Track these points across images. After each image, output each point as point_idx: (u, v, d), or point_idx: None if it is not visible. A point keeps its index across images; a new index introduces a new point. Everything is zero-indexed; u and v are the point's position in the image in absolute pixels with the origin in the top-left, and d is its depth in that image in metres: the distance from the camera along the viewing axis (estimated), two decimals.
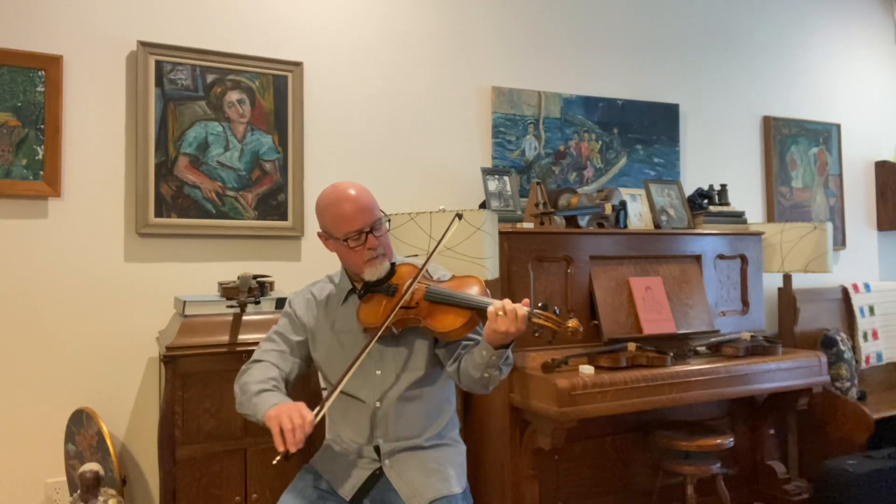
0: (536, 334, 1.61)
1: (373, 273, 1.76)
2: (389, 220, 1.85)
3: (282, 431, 1.48)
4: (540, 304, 1.62)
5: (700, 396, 2.59)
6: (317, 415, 1.56)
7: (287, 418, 1.49)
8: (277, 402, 1.59)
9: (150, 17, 2.57)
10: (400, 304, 1.68)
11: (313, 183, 2.77)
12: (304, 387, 2.15)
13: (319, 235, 1.83)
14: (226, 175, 2.64)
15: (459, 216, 1.85)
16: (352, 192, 1.74)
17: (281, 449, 1.48)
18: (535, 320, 1.59)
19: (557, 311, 1.62)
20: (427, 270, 1.81)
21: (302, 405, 1.55)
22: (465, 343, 1.77)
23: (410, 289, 1.70)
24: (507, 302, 1.60)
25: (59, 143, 2.40)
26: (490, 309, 1.60)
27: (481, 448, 2.68)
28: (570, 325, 1.58)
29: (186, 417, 2.15)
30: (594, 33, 3.47)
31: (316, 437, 2.28)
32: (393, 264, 1.81)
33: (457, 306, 1.69)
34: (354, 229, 1.72)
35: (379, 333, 1.67)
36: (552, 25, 3.36)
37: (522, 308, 1.59)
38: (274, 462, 1.49)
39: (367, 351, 1.66)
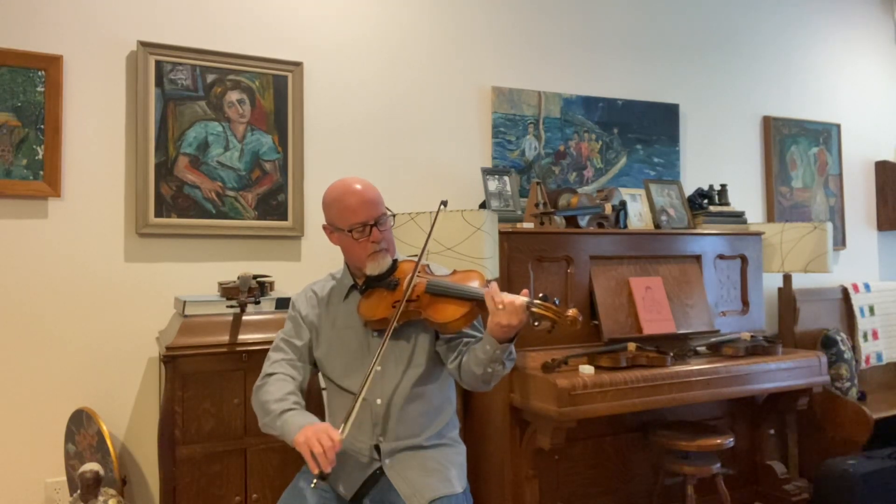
0: (536, 324, 1.60)
1: (375, 267, 1.78)
2: (394, 216, 1.87)
3: (314, 457, 1.53)
4: (540, 296, 1.62)
5: (700, 396, 2.59)
6: (342, 432, 1.59)
7: (316, 442, 1.54)
8: (303, 424, 1.62)
9: (150, 17, 2.57)
10: (405, 299, 1.70)
11: (313, 183, 2.77)
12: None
13: (325, 228, 1.85)
14: (226, 175, 2.64)
15: (444, 203, 1.84)
16: (358, 186, 1.78)
17: (316, 472, 1.53)
18: (535, 310, 1.59)
19: (557, 302, 1.62)
20: (429, 267, 1.83)
21: (328, 426, 1.59)
22: (465, 340, 1.78)
23: (412, 282, 1.71)
24: (502, 293, 1.61)
25: (59, 143, 2.40)
26: (487, 299, 1.61)
27: (481, 448, 2.68)
28: (569, 314, 1.58)
29: (186, 417, 2.15)
30: (594, 33, 3.47)
31: None
32: (395, 260, 1.82)
33: (457, 298, 1.70)
34: (359, 221, 1.74)
35: (389, 332, 1.68)
36: (552, 25, 3.36)
37: (520, 298, 1.60)
38: (312, 486, 1.62)
39: (380, 353, 1.67)
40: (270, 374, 1.79)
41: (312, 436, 1.55)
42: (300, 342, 1.84)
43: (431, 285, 1.73)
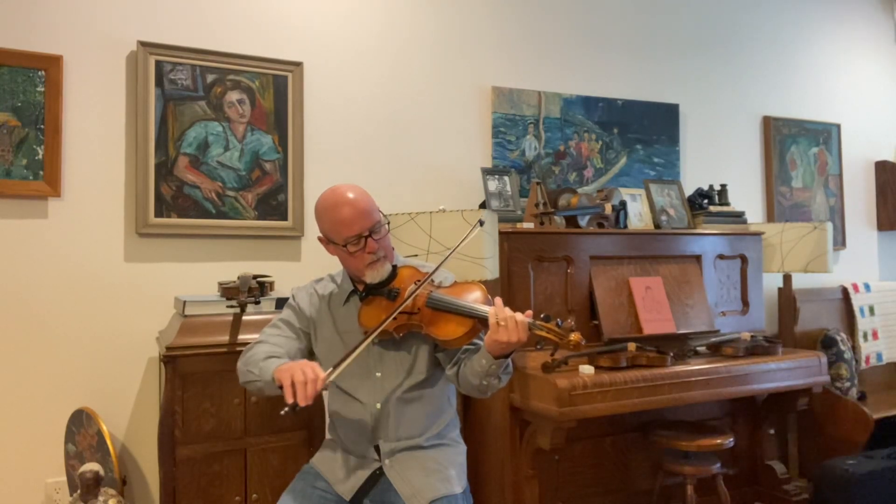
0: (539, 346, 1.60)
1: (374, 276, 1.76)
2: (388, 222, 1.84)
3: (293, 385, 1.49)
4: (542, 316, 1.60)
5: (700, 396, 2.59)
6: (328, 375, 1.55)
7: (300, 372, 1.51)
8: (288, 362, 1.61)
9: (150, 17, 2.57)
10: (401, 310, 1.67)
11: (313, 183, 2.77)
12: None
13: (320, 240, 1.83)
14: (226, 175, 2.64)
15: (482, 223, 1.85)
16: (349, 195, 1.74)
17: (290, 401, 1.48)
18: (537, 332, 1.58)
19: (560, 323, 1.60)
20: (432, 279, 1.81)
21: (315, 364, 1.56)
22: (465, 347, 1.76)
23: (412, 296, 1.68)
24: (507, 311, 1.58)
25: (59, 143, 2.40)
26: (492, 320, 1.58)
27: (481, 448, 2.68)
28: (572, 338, 1.56)
29: (186, 417, 2.15)
30: (594, 33, 3.47)
31: (316, 437, 2.29)
32: (395, 267, 1.81)
33: (459, 314, 1.67)
34: (353, 234, 1.72)
35: (373, 334, 1.64)
36: (552, 25, 3.36)
37: (524, 318, 1.57)
38: (282, 413, 1.49)
39: (366, 343, 1.64)
40: (261, 342, 1.80)
41: (297, 366, 1.53)
42: (298, 325, 1.85)
43: (432, 299, 1.70)
